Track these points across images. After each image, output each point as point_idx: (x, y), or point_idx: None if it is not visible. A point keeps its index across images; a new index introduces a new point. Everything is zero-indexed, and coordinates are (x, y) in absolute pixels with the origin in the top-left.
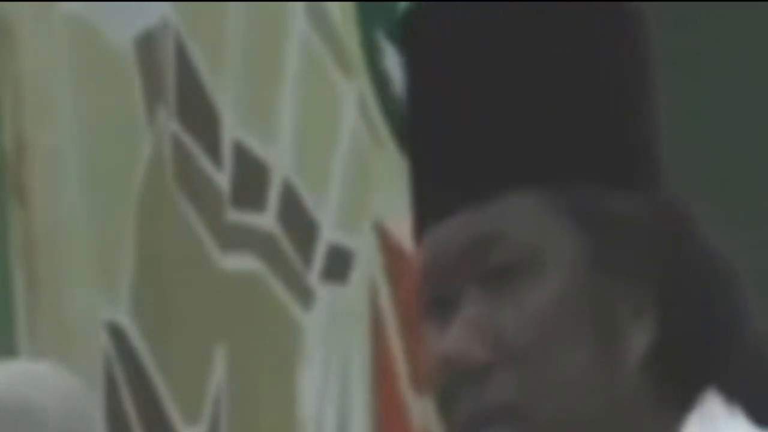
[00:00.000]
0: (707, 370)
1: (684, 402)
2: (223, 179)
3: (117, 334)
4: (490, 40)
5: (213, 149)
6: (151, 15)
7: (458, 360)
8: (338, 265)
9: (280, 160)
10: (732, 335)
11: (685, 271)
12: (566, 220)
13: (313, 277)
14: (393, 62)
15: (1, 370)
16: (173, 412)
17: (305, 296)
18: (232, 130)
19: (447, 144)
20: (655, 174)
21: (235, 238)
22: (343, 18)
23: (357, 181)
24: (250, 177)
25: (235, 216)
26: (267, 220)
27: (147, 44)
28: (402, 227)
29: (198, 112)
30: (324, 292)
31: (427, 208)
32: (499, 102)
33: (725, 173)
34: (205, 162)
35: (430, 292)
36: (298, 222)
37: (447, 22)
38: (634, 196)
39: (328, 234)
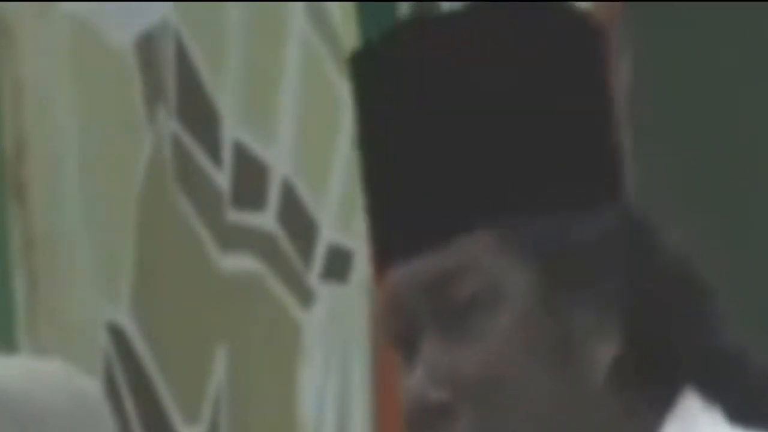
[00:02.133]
0: (678, 374)
1: (660, 406)
2: (223, 179)
3: (117, 334)
4: (440, 77)
5: (213, 149)
6: (151, 15)
7: (418, 402)
8: (338, 265)
9: (280, 160)
10: (702, 337)
11: (647, 279)
12: (523, 254)
13: (313, 277)
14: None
15: (6, 365)
16: (173, 412)
17: (305, 296)
18: (232, 130)
19: (403, 184)
20: (621, 188)
21: (235, 238)
22: (343, 18)
23: (357, 181)
24: (250, 177)
25: (235, 216)
26: (267, 220)
27: (147, 44)
28: None
29: (198, 112)
30: (324, 292)
31: (387, 249)
32: (453, 139)
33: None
34: (205, 162)
35: (392, 332)
36: (298, 222)
37: (396, 60)
38: (593, 215)
39: (328, 234)
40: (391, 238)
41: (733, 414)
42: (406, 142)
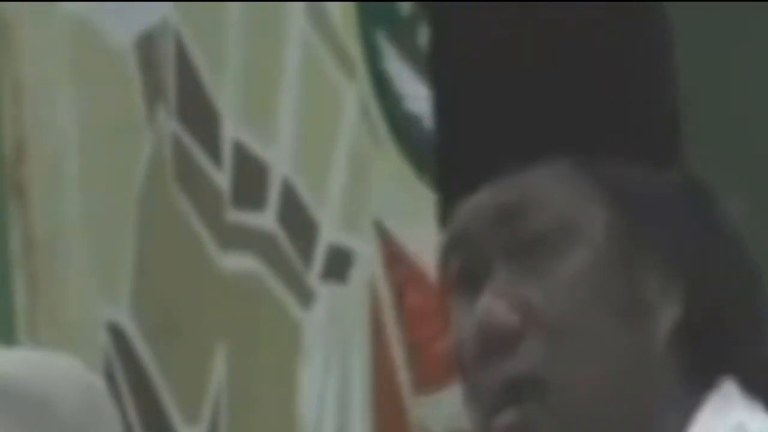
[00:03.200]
0: (730, 354)
1: (703, 382)
2: (223, 179)
3: (117, 334)
4: (518, 16)
5: (213, 149)
6: (151, 15)
7: (488, 329)
8: (338, 265)
9: (280, 160)
10: (755, 324)
11: (715, 250)
12: (597, 192)
13: (313, 277)
14: (393, 62)
15: (12, 358)
16: (173, 412)
17: (305, 296)
18: (232, 130)
19: (475, 117)
20: (681, 153)
21: (235, 238)
22: (343, 18)
23: (357, 181)
24: (250, 177)
25: (235, 216)
26: (267, 220)
27: (147, 44)
28: (402, 226)
29: (198, 112)
30: (324, 292)
31: (455, 183)
32: (527, 75)
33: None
34: (205, 162)
35: (459, 266)
36: (298, 222)
37: (471, 7)
38: (662, 172)
39: (328, 234)
40: (461, 170)
41: None
42: (479, 74)
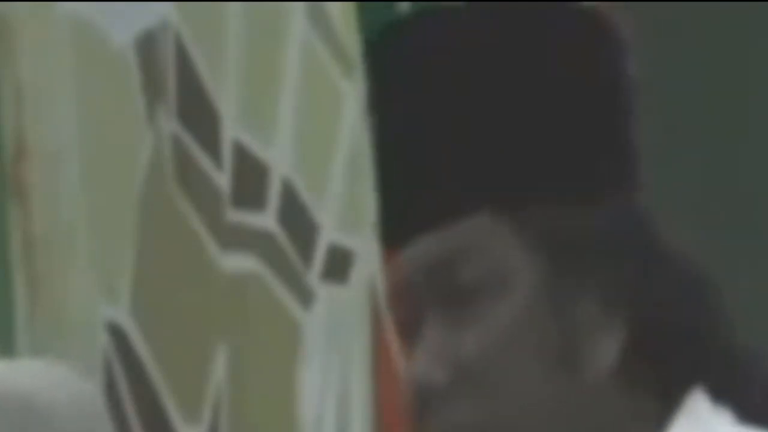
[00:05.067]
0: (685, 371)
1: (668, 401)
2: (223, 179)
3: (117, 334)
4: (449, 62)
5: (213, 149)
6: (151, 15)
7: (421, 383)
8: (338, 265)
9: (280, 160)
10: (711, 332)
11: (657, 272)
12: (527, 241)
13: (313, 277)
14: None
15: (8, 368)
16: (173, 412)
17: (305, 296)
18: (232, 130)
19: (411, 167)
20: (619, 185)
21: (235, 238)
22: (343, 18)
23: (357, 181)
24: (250, 177)
25: (235, 216)
26: (267, 220)
27: (147, 44)
28: None
29: (198, 112)
30: (324, 292)
31: (394, 233)
32: (459, 124)
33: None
34: (205, 162)
35: (397, 316)
36: (298, 222)
37: (411, 45)
38: (597, 208)
39: (328, 234)
40: (399, 222)
41: (741, 413)
42: (415, 124)
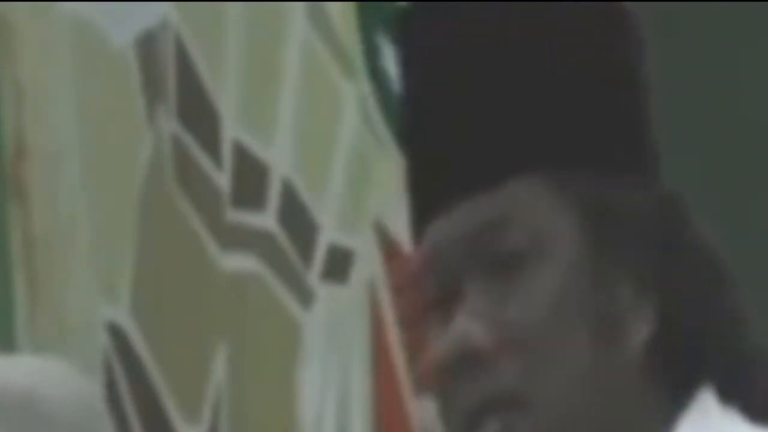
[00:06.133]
0: (703, 365)
1: (679, 396)
2: (223, 179)
3: (117, 334)
4: (487, 34)
5: (213, 149)
6: (151, 15)
7: (463, 349)
8: (338, 265)
9: (280, 160)
10: (729, 331)
11: (686, 262)
12: (568, 207)
13: (313, 277)
14: (393, 62)
15: (8, 364)
16: (173, 412)
17: (305, 296)
18: (232, 130)
19: (445, 136)
20: (653, 165)
21: (235, 238)
22: (343, 18)
23: (357, 181)
24: (250, 177)
25: (235, 216)
26: (267, 220)
27: (147, 44)
28: (402, 227)
29: (198, 112)
30: (324, 292)
31: (427, 204)
32: (496, 91)
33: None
34: (205, 162)
35: (433, 286)
36: (298, 222)
37: (443, 17)
38: (634, 184)
39: (328, 234)
40: (430, 196)
41: (747, 413)
42: (447, 94)
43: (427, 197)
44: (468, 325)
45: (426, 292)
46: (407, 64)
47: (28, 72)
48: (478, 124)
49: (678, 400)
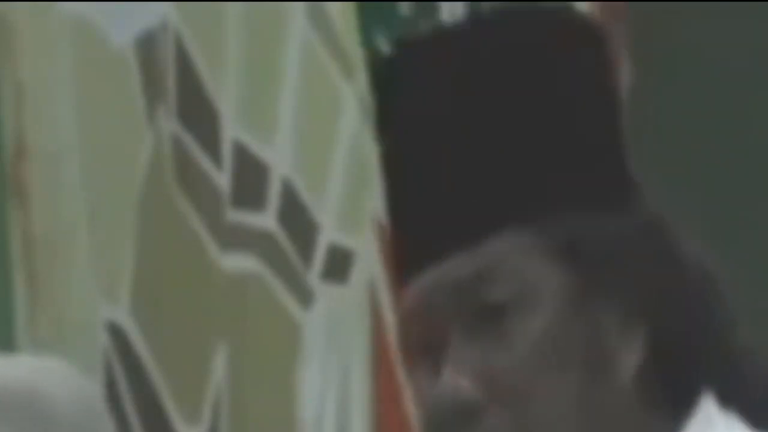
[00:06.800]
0: (699, 378)
1: (680, 409)
2: (223, 179)
3: (117, 334)
4: (462, 83)
5: (213, 149)
6: (151, 15)
7: (452, 401)
8: (338, 265)
9: (280, 160)
10: (721, 341)
11: (673, 282)
12: (553, 253)
13: (313, 277)
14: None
15: (8, 364)
16: (173, 412)
17: (305, 296)
18: (232, 130)
19: (427, 192)
20: (634, 193)
21: (235, 238)
22: (343, 18)
23: (357, 181)
24: (250, 177)
25: (235, 216)
26: (267, 220)
27: (147, 44)
28: None
29: (198, 112)
30: (324, 292)
31: (411, 257)
32: (475, 144)
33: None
34: (205, 162)
35: (418, 338)
36: (298, 222)
37: (421, 66)
38: (617, 217)
39: (328, 234)
40: (416, 245)
41: (748, 416)
42: (429, 147)
43: (410, 250)
44: (456, 379)
45: (413, 338)
46: (386, 118)
47: (28, 72)
48: (459, 178)
49: (680, 413)
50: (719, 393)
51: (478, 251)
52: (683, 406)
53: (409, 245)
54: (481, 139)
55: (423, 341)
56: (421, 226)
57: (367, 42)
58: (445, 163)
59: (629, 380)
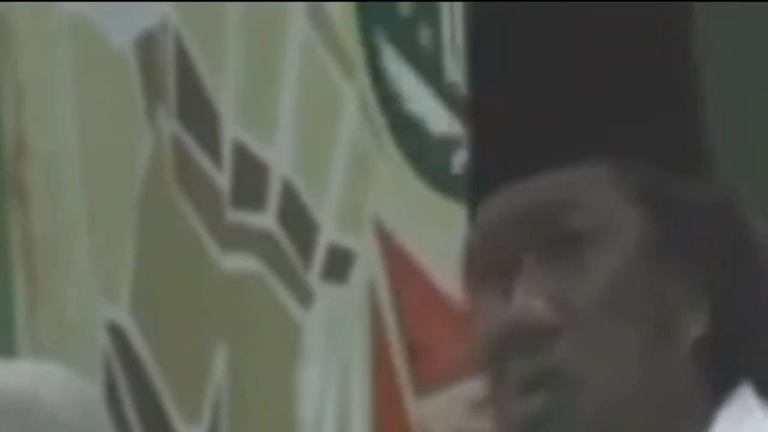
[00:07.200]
0: (749, 363)
1: (720, 391)
2: (223, 179)
3: (117, 334)
4: (557, 19)
5: (213, 149)
6: (151, 15)
7: (526, 326)
8: (338, 265)
9: (280, 160)
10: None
11: (742, 261)
12: (631, 197)
13: (313, 277)
14: (393, 62)
15: (7, 369)
16: (173, 412)
17: (305, 296)
18: (232, 130)
19: (513, 112)
20: (712, 164)
21: (235, 238)
22: (343, 18)
23: (357, 181)
24: (250, 177)
25: (235, 216)
26: (267, 220)
27: (147, 44)
28: (402, 226)
29: (198, 112)
30: (324, 292)
31: (487, 180)
32: (566, 75)
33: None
34: (205, 162)
35: (489, 260)
36: (298, 222)
37: (511, 5)
38: (694, 182)
39: (328, 234)
40: (493, 167)
41: None
42: (515, 74)
43: (488, 173)
44: (529, 300)
45: (483, 260)
46: (476, 48)
47: (28, 72)
48: (547, 106)
49: (719, 395)
50: (759, 383)
51: (557, 179)
52: (724, 390)
53: (489, 164)
54: (572, 77)
55: (494, 264)
56: (504, 147)
57: (367, 42)
58: (535, 95)
59: (687, 347)
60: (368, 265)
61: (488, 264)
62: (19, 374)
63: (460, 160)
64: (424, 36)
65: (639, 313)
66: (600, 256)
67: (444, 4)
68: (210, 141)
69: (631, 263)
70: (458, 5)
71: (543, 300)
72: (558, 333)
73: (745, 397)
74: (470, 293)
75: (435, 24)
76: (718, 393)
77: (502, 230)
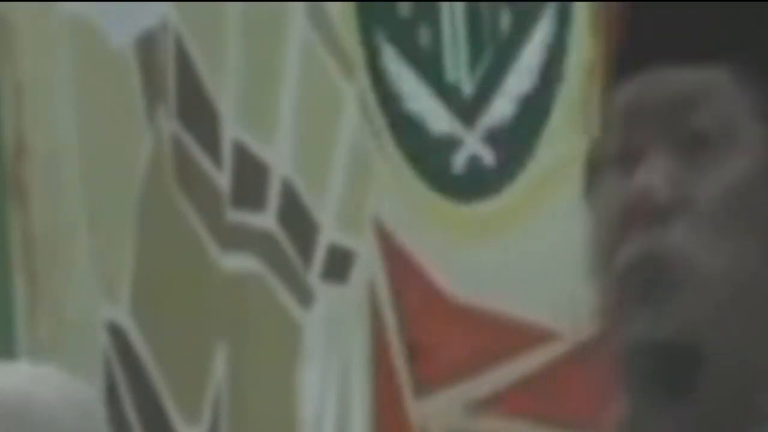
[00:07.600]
0: None
1: None
2: (223, 179)
3: (117, 334)
4: None
5: (213, 149)
6: (151, 15)
7: (643, 198)
8: (338, 265)
9: (280, 160)
10: None
11: None
12: (758, 106)
13: (313, 277)
14: (393, 62)
15: (4, 371)
16: (173, 412)
17: (305, 296)
18: (232, 130)
19: (656, 10)
20: None
21: (235, 238)
22: (343, 18)
23: (357, 181)
24: (250, 177)
25: (235, 216)
26: (267, 220)
27: (147, 44)
28: (402, 226)
29: (198, 112)
30: (324, 292)
31: (631, 58)
32: None
33: None
34: (205, 162)
35: (617, 143)
36: (298, 222)
37: None
38: None
39: (328, 234)
40: (635, 50)
41: None
42: None
43: (626, 58)
44: (649, 178)
45: (612, 142)
46: None
47: (28, 72)
48: (687, 8)
49: None
50: None
51: (689, 73)
52: None
53: (629, 50)
54: None
55: (621, 147)
56: (640, 35)
57: (367, 42)
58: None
59: None
60: (368, 265)
61: (617, 146)
62: (16, 376)
63: (460, 160)
64: (424, 36)
65: (756, 225)
66: (721, 156)
67: (444, 4)
68: (210, 141)
69: (751, 171)
70: (458, 5)
71: (661, 178)
72: (672, 214)
73: None
74: (597, 172)
75: (435, 24)
76: None
77: (630, 121)
